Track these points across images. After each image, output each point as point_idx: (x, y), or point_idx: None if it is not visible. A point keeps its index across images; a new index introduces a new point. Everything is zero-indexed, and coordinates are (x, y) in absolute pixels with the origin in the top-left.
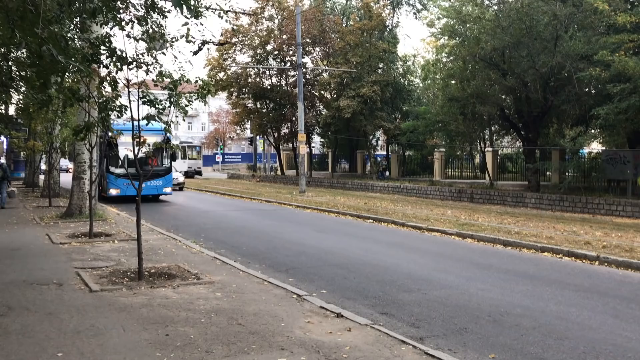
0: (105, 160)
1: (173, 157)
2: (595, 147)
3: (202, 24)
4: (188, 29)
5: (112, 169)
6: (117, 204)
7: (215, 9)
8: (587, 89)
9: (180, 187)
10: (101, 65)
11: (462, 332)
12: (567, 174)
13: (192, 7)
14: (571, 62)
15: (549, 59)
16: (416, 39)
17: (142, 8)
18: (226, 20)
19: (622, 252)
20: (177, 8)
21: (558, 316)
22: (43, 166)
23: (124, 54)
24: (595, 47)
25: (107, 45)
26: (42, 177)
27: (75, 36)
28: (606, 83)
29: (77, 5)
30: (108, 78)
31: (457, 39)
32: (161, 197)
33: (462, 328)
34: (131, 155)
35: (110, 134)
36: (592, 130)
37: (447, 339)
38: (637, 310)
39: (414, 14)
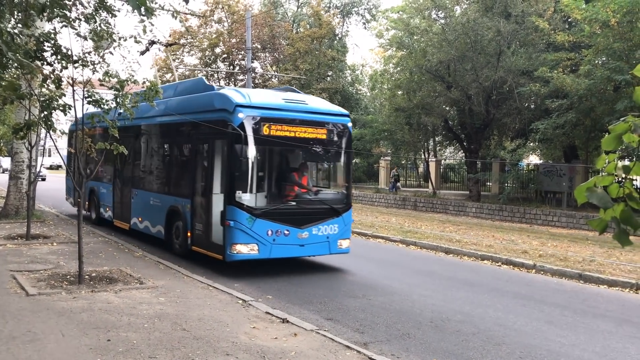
0: (225, 177)
1: (347, 172)
2: (534, 159)
3: (152, 24)
4: (144, 27)
5: (242, 196)
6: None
7: (169, 10)
8: (527, 104)
9: None
10: (45, 63)
11: (405, 337)
12: (506, 185)
13: (149, 9)
14: (513, 77)
15: (492, 73)
16: (365, 49)
17: (90, 6)
18: (180, 21)
19: (557, 261)
20: (135, 10)
21: (497, 322)
22: None
23: (69, 52)
24: (535, 63)
25: (52, 42)
26: None
27: (17, 30)
28: (545, 98)
29: None
30: (52, 76)
31: (405, 50)
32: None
33: (405, 334)
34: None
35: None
36: (531, 144)
37: (391, 345)
38: (570, 317)
39: (363, 24)
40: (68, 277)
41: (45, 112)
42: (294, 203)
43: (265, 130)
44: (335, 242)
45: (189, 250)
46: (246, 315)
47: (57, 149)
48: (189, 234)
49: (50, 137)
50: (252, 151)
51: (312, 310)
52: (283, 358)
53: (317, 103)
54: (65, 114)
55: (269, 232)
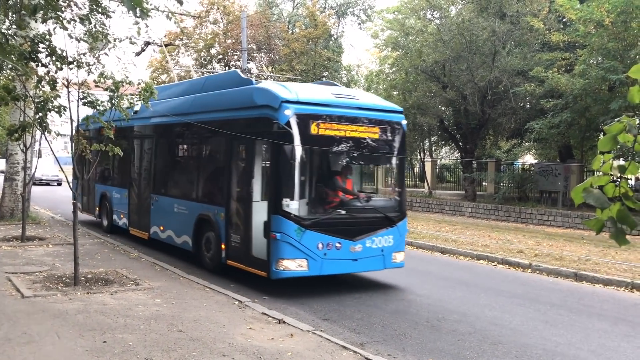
0: (270, 182)
1: (401, 176)
2: (529, 159)
3: (147, 25)
4: (139, 28)
5: (290, 204)
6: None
7: (164, 11)
8: (522, 104)
9: None
10: (40, 64)
11: (401, 337)
12: (502, 184)
13: (144, 10)
14: (508, 77)
15: (487, 73)
16: (360, 49)
17: (85, 7)
18: (175, 22)
19: (552, 260)
20: (131, 11)
21: (493, 322)
22: None
23: (64, 53)
24: (530, 63)
25: (47, 43)
26: None
27: (11, 32)
28: (540, 98)
29: (15, 0)
30: (47, 77)
31: (400, 51)
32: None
33: (402, 334)
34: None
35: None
36: (527, 143)
37: (387, 344)
38: (566, 316)
39: (359, 24)
40: (64, 278)
41: (40, 114)
42: (345, 212)
43: (314, 129)
44: (390, 256)
45: (223, 265)
46: (242, 316)
47: (52, 150)
48: (222, 247)
49: (46, 138)
50: (300, 153)
51: (308, 310)
52: (279, 359)
53: (369, 98)
54: (61, 116)
55: (320, 246)
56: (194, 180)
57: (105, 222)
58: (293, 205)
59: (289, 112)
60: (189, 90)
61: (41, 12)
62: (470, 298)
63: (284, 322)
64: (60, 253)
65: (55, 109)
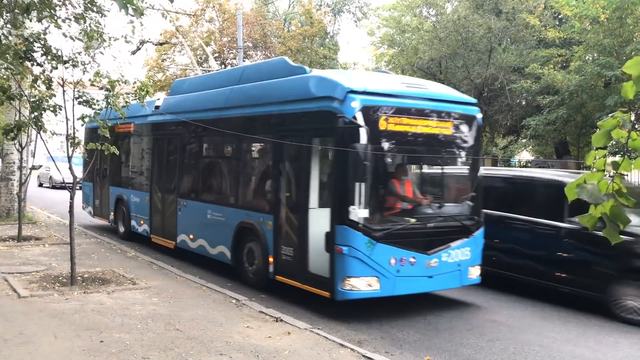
0: (334, 187)
1: (476, 177)
2: (525, 156)
3: (142, 24)
4: (133, 27)
5: (359, 212)
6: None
7: (159, 9)
8: (518, 100)
9: None
10: (35, 63)
11: (398, 334)
12: None
13: (137, 8)
14: (504, 74)
15: (483, 70)
16: (357, 47)
17: (79, 6)
18: (170, 21)
19: None
20: (123, 9)
21: (490, 319)
22: None
23: (59, 52)
24: (526, 60)
25: (42, 42)
26: None
27: (5, 31)
28: (536, 95)
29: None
30: (42, 76)
31: (396, 48)
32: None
33: (399, 331)
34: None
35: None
36: (523, 140)
37: (384, 342)
38: (562, 312)
39: (355, 22)
40: (60, 278)
41: (36, 113)
42: (419, 221)
43: (383, 124)
44: (467, 271)
45: (270, 280)
46: (240, 315)
47: (47, 150)
48: (270, 260)
49: (41, 138)
50: (370, 153)
51: (305, 309)
52: (277, 357)
53: (440, 88)
54: (56, 115)
55: (392, 261)
56: (233, 184)
57: (121, 229)
58: (362, 214)
59: (357, 105)
60: (222, 82)
61: (35, 11)
62: (467, 295)
63: (281, 320)
64: (56, 253)
65: (51, 108)
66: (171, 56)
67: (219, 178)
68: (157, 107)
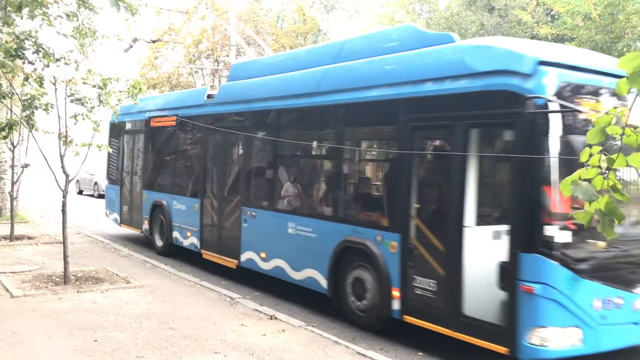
0: (522, 195)
1: None
2: None
3: (135, 22)
4: (129, 25)
5: (556, 235)
6: None
7: (153, 7)
8: None
9: None
10: (26, 61)
11: (393, 331)
12: None
13: (128, 6)
14: None
15: None
16: None
17: (71, 3)
18: (168, 17)
19: None
20: (114, 7)
21: None
22: None
23: (50, 50)
24: None
25: (33, 40)
26: None
27: None
28: None
29: None
30: (34, 75)
31: None
32: None
33: (393, 328)
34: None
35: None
36: None
37: (379, 338)
38: None
39: (348, 19)
40: (53, 277)
41: (27, 112)
42: (622, 246)
43: (584, 109)
44: None
45: (392, 320)
46: (234, 313)
47: (39, 149)
48: (395, 294)
49: (33, 136)
50: (569, 149)
51: (300, 306)
52: (272, 354)
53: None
54: (48, 113)
55: (597, 304)
56: (330, 190)
57: (159, 242)
58: (563, 237)
59: (553, 81)
60: (309, 61)
61: (27, 8)
62: None
63: (275, 318)
64: (49, 252)
65: (43, 107)
66: (164, 54)
67: (306, 181)
68: (209, 97)
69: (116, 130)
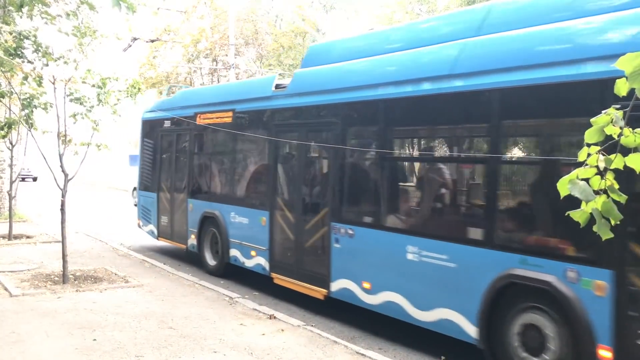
0: None
1: None
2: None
3: (127, 20)
4: (130, 25)
5: None
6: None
7: (151, 7)
8: None
9: None
10: (25, 60)
11: (392, 331)
12: None
13: (129, 5)
14: None
15: None
16: None
17: (71, 2)
18: (169, 14)
19: None
20: (115, 7)
21: None
22: None
23: (49, 49)
24: None
25: (33, 39)
26: None
27: None
28: None
29: None
30: (33, 74)
31: None
32: None
33: (392, 327)
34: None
35: None
36: None
37: (378, 338)
38: None
39: (347, 18)
40: (52, 276)
41: (26, 111)
42: None
43: None
44: None
45: None
46: (233, 312)
47: (38, 148)
48: (602, 354)
49: (32, 135)
50: None
51: (299, 306)
52: (271, 354)
53: None
54: (47, 112)
55: None
56: (475, 203)
57: (211, 260)
58: None
59: None
60: (434, 36)
61: (26, 7)
62: None
63: (274, 317)
64: (48, 251)
65: (42, 106)
66: (162, 53)
67: (435, 192)
68: (279, 87)
69: (151, 128)
